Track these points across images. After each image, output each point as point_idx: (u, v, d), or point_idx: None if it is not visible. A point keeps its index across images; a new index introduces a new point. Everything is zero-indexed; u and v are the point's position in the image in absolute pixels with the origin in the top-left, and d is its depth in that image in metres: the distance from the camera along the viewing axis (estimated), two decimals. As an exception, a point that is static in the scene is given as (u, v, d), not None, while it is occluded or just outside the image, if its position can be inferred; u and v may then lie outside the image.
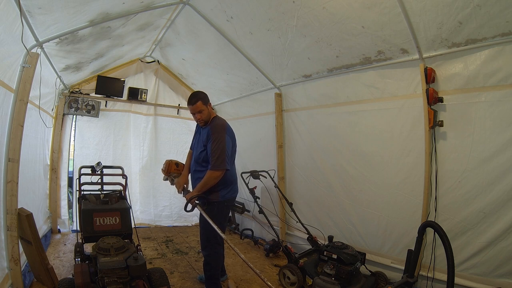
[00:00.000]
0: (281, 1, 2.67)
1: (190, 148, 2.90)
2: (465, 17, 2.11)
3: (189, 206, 2.43)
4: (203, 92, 2.62)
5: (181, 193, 2.65)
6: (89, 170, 3.25)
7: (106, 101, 4.67)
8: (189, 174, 2.75)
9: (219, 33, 3.41)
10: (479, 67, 2.30)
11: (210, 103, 2.62)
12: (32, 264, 2.59)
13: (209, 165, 2.43)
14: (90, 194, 2.81)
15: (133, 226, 2.60)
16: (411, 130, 2.73)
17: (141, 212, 4.90)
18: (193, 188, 2.60)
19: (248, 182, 3.70)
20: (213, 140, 2.42)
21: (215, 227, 2.18)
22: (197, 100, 2.50)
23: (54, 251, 3.52)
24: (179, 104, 5.28)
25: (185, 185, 2.68)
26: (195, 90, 4.90)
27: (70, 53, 3.31)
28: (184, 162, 2.91)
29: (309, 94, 3.67)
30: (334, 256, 2.58)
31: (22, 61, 2.36)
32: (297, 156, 3.92)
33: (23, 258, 2.55)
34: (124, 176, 3.17)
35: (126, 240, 2.35)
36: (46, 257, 2.56)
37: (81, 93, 4.37)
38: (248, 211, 4.45)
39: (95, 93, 4.51)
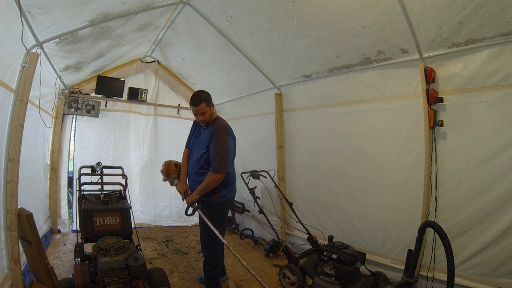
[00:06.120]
0: (281, 1, 2.67)
1: (186, 147, 2.81)
2: (465, 17, 2.11)
3: (190, 210, 2.42)
4: (206, 92, 2.56)
5: (184, 200, 2.62)
6: (89, 170, 3.25)
7: (106, 101, 4.67)
8: (187, 176, 2.71)
9: (219, 33, 3.41)
10: (479, 67, 2.30)
11: (213, 104, 2.58)
12: (32, 264, 2.59)
13: (210, 167, 2.43)
14: (90, 194, 2.81)
15: (133, 226, 2.60)
16: (411, 130, 2.73)
17: (141, 212, 4.90)
18: (192, 190, 2.57)
19: (248, 182, 3.69)
20: (216, 143, 2.41)
21: (216, 232, 2.18)
22: (201, 102, 2.44)
23: (54, 251, 3.52)
24: (179, 104, 5.29)
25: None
26: (195, 90, 4.90)
27: (70, 53, 3.31)
28: None
29: (309, 94, 3.67)
30: (334, 256, 2.58)
31: (22, 61, 2.36)
32: (297, 156, 3.92)
33: (23, 258, 2.55)
34: (124, 176, 3.17)
35: (126, 240, 2.35)
36: (46, 257, 2.56)
37: (81, 93, 4.37)
38: (248, 211, 4.45)
39: (95, 93, 4.51)
